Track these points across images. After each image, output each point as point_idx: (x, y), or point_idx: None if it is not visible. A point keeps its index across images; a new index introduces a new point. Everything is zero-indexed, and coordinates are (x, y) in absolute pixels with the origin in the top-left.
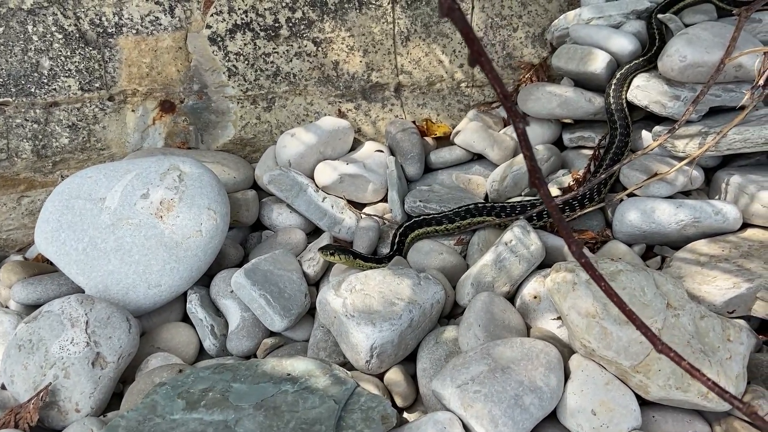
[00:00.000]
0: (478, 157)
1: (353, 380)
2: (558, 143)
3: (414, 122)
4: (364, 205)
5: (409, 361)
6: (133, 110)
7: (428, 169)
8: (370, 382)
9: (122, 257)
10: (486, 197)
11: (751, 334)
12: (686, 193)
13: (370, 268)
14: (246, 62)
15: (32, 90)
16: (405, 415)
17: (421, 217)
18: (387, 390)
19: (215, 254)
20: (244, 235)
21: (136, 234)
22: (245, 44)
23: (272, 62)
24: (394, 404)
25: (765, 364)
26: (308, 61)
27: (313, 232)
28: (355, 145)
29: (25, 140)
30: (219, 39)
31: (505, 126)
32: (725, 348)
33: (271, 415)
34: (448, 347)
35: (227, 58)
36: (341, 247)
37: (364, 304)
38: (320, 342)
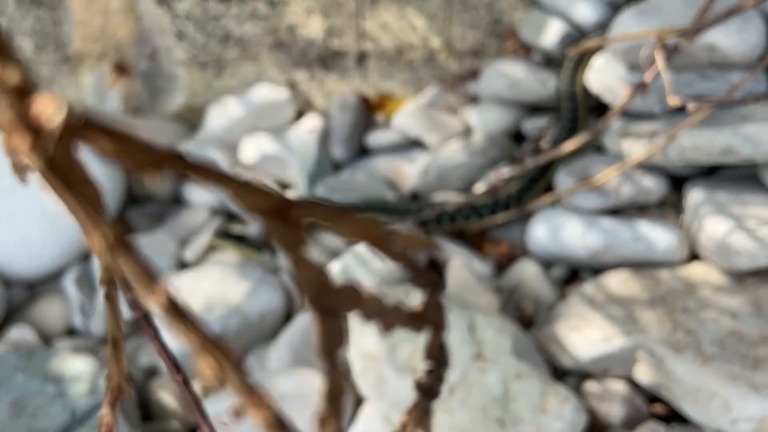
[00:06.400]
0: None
1: None
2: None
3: (364, 96)
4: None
5: None
6: (89, 72)
7: (368, 152)
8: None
9: (11, 226)
10: (416, 192)
11: (583, 410)
12: (642, 209)
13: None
14: (196, 25)
15: None
16: None
17: None
18: None
19: None
20: (164, 209)
21: (26, 204)
22: (194, 5)
23: (223, 25)
24: None
25: None
26: (261, 25)
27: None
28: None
29: None
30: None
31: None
32: (535, 421)
33: (14, 416)
34: None
35: (176, 20)
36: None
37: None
38: None
